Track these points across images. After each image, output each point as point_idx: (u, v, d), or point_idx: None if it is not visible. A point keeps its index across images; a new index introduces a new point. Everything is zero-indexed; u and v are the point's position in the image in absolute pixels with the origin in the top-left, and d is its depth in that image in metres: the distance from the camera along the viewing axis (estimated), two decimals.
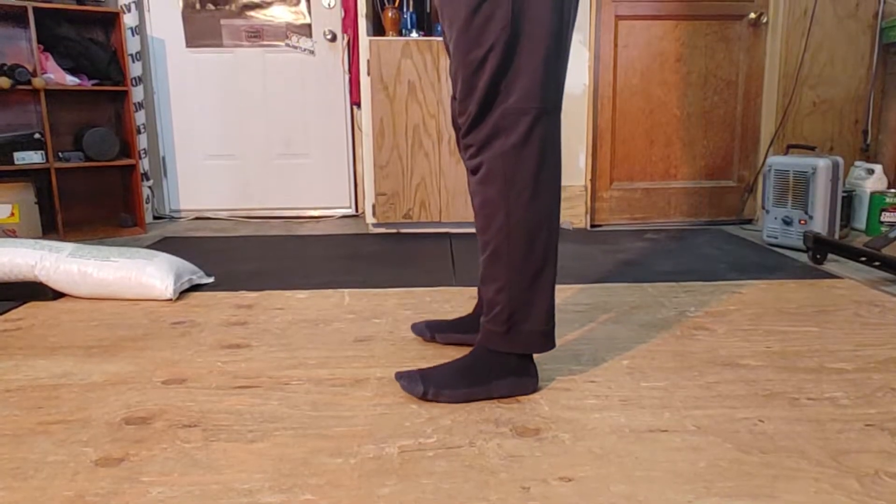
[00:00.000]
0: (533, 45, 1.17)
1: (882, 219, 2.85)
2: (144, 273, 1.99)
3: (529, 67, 1.17)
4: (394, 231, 3.14)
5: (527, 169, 1.21)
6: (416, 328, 1.63)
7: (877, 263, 2.14)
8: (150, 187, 3.53)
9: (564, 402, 1.29)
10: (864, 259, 2.19)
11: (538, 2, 1.15)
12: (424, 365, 1.48)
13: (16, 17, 3.03)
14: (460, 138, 1.29)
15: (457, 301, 1.98)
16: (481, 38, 1.16)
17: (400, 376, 1.33)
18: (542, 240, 1.25)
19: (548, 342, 1.30)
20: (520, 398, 1.31)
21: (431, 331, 1.60)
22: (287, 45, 3.52)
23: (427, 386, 1.28)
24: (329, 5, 3.49)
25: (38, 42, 2.96)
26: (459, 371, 1.30)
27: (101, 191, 3.44)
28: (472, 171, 1.27)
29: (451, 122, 1.40)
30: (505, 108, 1.19)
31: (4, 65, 2.92)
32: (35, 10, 2.87)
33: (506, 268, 1.25)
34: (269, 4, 3.48)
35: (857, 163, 3.05)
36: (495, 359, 1.30)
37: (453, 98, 1.34)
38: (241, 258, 2.61)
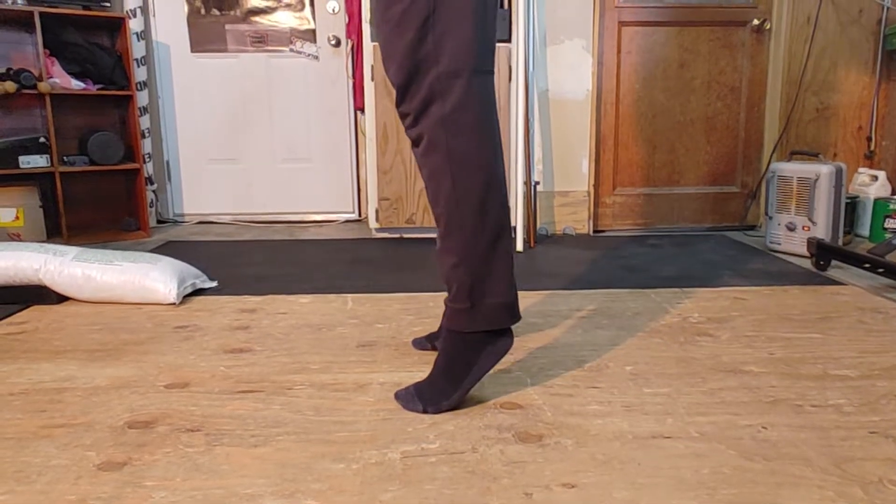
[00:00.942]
0: (459, 1, 1.12)
1: (886, 225, 2.85)
2: (148, 277, 2.00)
3: (457, 26, 1.13)
4: (397, 236, 3.14)
5: (468, 134, 1.17)
6: (417, 344, 1.62)
7: (880, 270, 2.13)
8: (153, 191, 3.54)
9: (567, 407, 1.29)
10: (867, 266, 2.18)
11: None
12: (427, 370, 1.48)
13: (22, 22, 3.04)
14: (396, 107, 1.23)
15: None
16: None
17: (398, 396, 1.31)
18: (495, 204, 1.21)
19: (513, 314, 1.27)
20: (522, 404, 1.31)
21: (431, 339, 1.60)
22: (291, 50, 3.54)
23: (425, 403, 1.27)
24: (333, 11, 3.51)
25: (45, 47, 2.97)
26: (444, 376, 1.28)
27: (105, 195, 3.45)
28: (414, 143, 1.23)
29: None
30: (438, 72, 1.14)
31: (10, 69, 2.94)
32: (41, 15, 2.89)
33: (461, 239, 1.22)
34: (274, 10, 3.50)
35: (861, 169, 3.05)
36: (466, 343, 1.27)
37: (385, 68, 1.29)
38: (245, 262, 2.62)
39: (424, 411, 1.26)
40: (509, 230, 1.26)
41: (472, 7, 1.14)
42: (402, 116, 1.23)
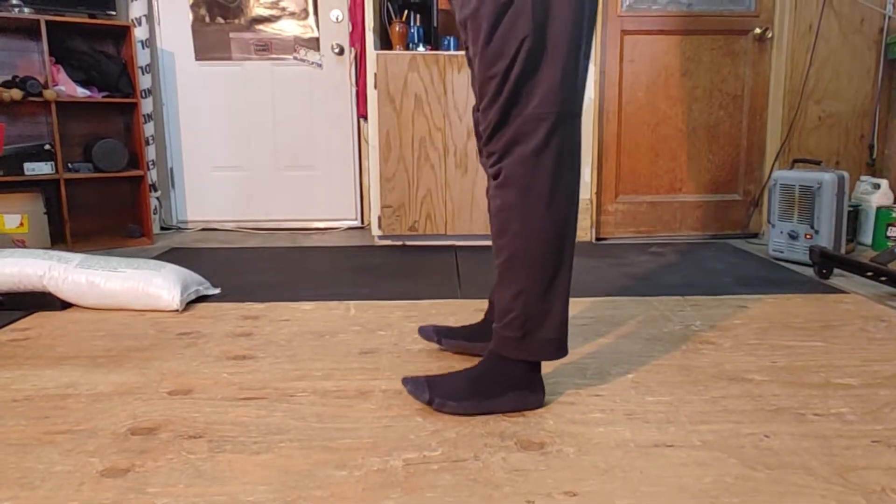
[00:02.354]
0: (553, 53, 1.18)
1: (888, 233, 2.85)
2: (152, 284, 2.00)
3: (548, 74, 1.18)
4: (399, 243, 3.15)
5: (544, 174, 1.21)
6: (424, 332, 1.63)
7: (883, 278, 2.13)
8: (157, 198, 3.56)
9: (569, 415, 1.29)
10: (870, 274, 2.18)
11: (559, 10, 1.16)
12: None
13: (29, 30, 3.07)
14: (482, 146, 1.30)
15: (462, 314, 1.98)
16: (503, 49, 1.18)
17: (406, 381, 1.33)
18: (559, 246, 1.25)
19: (561, 349, 1.30)
20: (525, 412, 1.31)
21: (439, 335, 1.61)
22: (295, 58, 3.56)
23: (433, 394, 1.28)
24: (337, 19, 3.53)
25: (50, 55, 2.99)
26: (467, 382, 1.30)
27: (109, 201, 3.46)
28: (493, 177, 1.28)
29: (475, 133, 1.41)
30: (525, 115, 1.20)
31: (16, 77, 2.96)
32: (48, 23, 2.91)
33: (522, 274, 1.25)
34: (278, 18, 3.52)
35: (863, 177, 3.05)
36: (505, 370, 1.30)
37: (475, 109, 1.36)
38: (248, 269, 2.63)
39: (429, 402, 1.27)
40: (570, 269, 1.29)
41: (566, 53, 1.19)
42: (487, 155, 1.27)
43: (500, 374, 1.30)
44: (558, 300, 1.27)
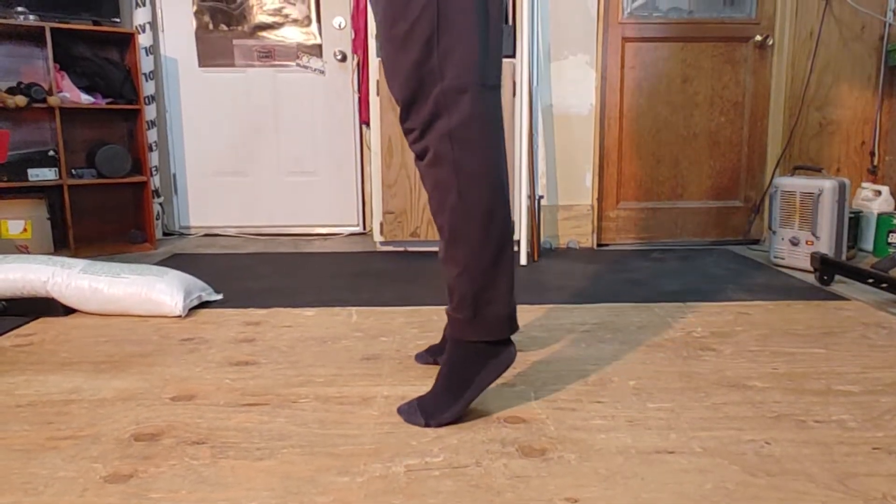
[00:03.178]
0: (462, 18, 1.13)
1: (889, 240, 2.85)
2: (154, 290, 2.01)
3: (462, 42, 1.14)
4: (401, 249, 3.15)
5: (475, 148, 1.18)
6: (420, 358, 1.63)
7: (884, 285, 2.13)
8: (160, 204, 3.57)
9: (570, 422, 1.30)
10: (871, 281, 2.19)
11: None
12: (431, 383, 1.48)
13: (33, 36, 3.09)
14: (401, 123, 1.24)
15: None
16: (406, 10, 1.12)
17: (401, 411, 1.32)
18: (499, 216, 1.23)
19: (513, 324, 1.29)
20: (525, 418, 1.31)
21: (433, 354, 1.61)
22: (298, 65, 3.57)
23: (426, 417, 1.27)
24: (339, 26, 3.55)
25: (55, 61, 3.01)
26: (445, 387, 1.29)
27: (112, 207, 3.48)
28: (419, 156, 1.24)
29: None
30: (443, 87, 1.15)
31: (21, 83, 2.98)
32: (52, 30, 2.93)
33: (465, 249, 1.23)
34: (281, 25, 3.54)
35: (864, 184, 3.05)
36: (467, 353, 1.28)
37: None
38: (250, 275, 2.63)
39: (426, 425, 1.27)
40: (511, 242, 1.27)
41: (476, 23, 1.15)
42: (407, 132, 1.24)
43: (466, 358, 1.28)
44: (504, 273, 1.25)
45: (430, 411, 1.28)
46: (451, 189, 1.20)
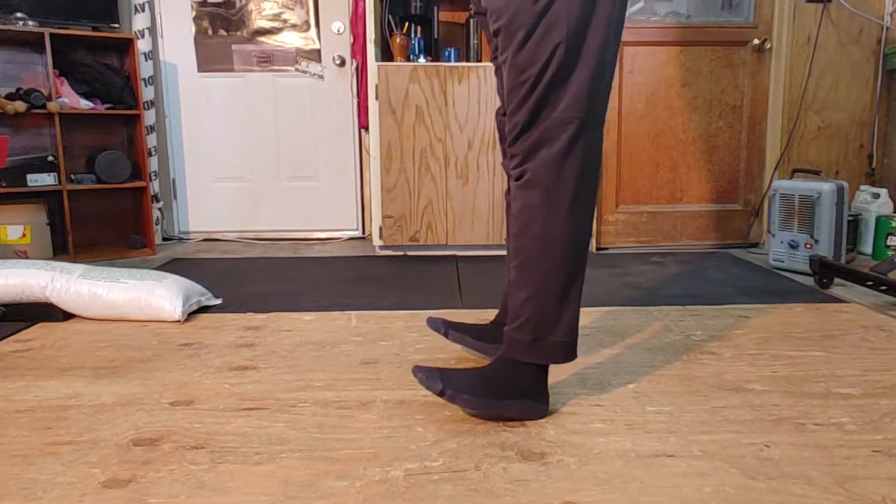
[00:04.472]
0: (584, 60, 1.21)
1: (888, 243, 2.85)
2: (154, 294, 2.01)
3: (578, 80, 1.21)
4: (400, 253, 3.16)
5: (568, 178, 1.23)
6: (431, 322, 1.63)
7: (883, 288, 2.13)
8: (159, 209, 3.57)
9: (570, 426, 1.29)
10: (870, 283, 2.19)
11: (593, 19, 1.19)
12: None
13: (33, 43, 3.10)
14: (506, 147, 1.31)
15: None
16: (536, 56, 1.20)
17: (418, 370, 1.31)
18: (577, 250, 1.26)
19: (570, 353, 1.30)
20: (526, 422, 1.31)
21: (447, 327, 1.61)
22: (297, 69, 3.58)
23: (446, 385, 1.27)
24: (338, 31, 3.56)
25: (54, 67, 3.02)
26: (479, 380, 1.30)
27: (111, 212, 3.48)
28: (516, 179, 1.29)
29: (499, 137, 1.44)
30: (552, 118, 1.22)
31: (21, 89, 2.98)
32: (52, 36, 2.94)
33: (538, 277, 1.26)
34: (280, 30, 3.55)
35: (863, 187, 3.06)
36: (514, 374, 1.30)
37: (500, 113, 1.39)
38: (249, 280, 2.63)
39: (441, 392, 1.27)
40: (583, 274, 1.30)
41: (596, 59, 1.21)
42: (511, 156, 1.29)
43: (509, 377, 1.30)
44: (571, 305, 1.28)
45: (451, 384, 1.28)
46: (538, 215, 1.25)
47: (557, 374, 1.57)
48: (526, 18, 1.19)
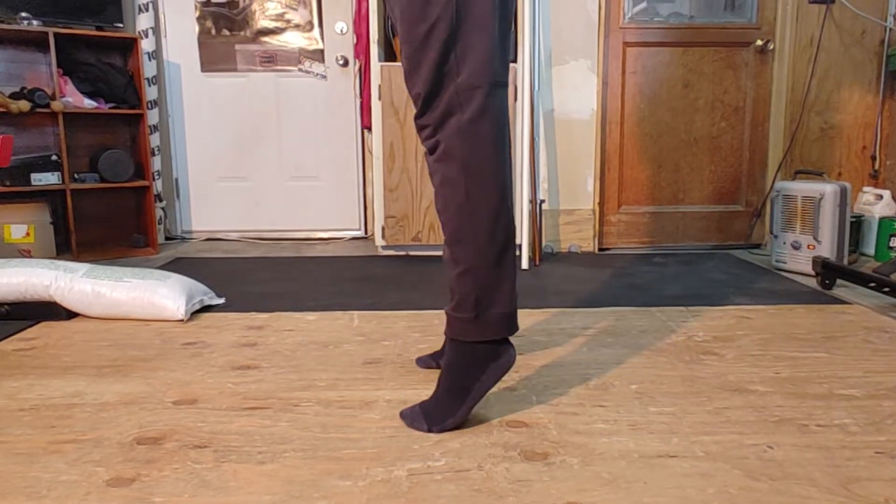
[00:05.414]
0: (479, 20, 1.17)
1: (891, 244, 2.85)
2: (157, 294, 2.02)
3: (477, 42, 1.17)
4: (403, 253, 3.16)
5: (484, 144, 1.20)
6: (422, 362, 1.62)
7: (886, 289, 2.13)
8: (162, 208, 3.58)
9: (573, 426, 1.30)
10: (873, 285, 2.19)
11: None
12: (433, 387, 1.48)
13: (37, 42, 3.10)
14: (415, 119, 1.27)
15: None
16: (425, 11, 1.16)
17: (403, 415, 1.32)
18: (504, 216, 1.23)
19: (513, 324, 1.28)
20: (528, 422, 1.31)
21: (435, 359, 1.61)
22: (300, 69, 3.59)
23: (430, 423, 1.27)
24: (341, 31, 3.56)
25: (58, 66, 3.03)
26: (447, 392, 1.28)
27: (114, 212, 3.49)
28: (430, 151, 1.26)
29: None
30: (457, 85, 1.18)
31: (25, 88, 2.99)
32: (56, 35, 2.94)
33: (469, 248, 1.23)
34: (283, 31, 3.55)
35: (866, 188, 3.06)
36: (468, 356, 1.27)
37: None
38: (252, 279, 2.64)
39: (430, 431, 1.27)
40: (514, 242, 1.27)
41: (490, 22, 1.18)
42: (421, 128, 1.26)
43: (466, 361, 1.28)
44: (507, 273, 1.25)
45: (433, 417, 1.28)
46: (459, 186, 1.21)
47: (560, 373, 1.57)
48: None
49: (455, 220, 1.23)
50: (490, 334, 1.26)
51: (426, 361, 1.62)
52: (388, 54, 3.17)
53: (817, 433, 1.26)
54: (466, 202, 1.22)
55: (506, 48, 1.23)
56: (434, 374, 1.57)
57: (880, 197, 2.96)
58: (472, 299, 1.24)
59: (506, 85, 1.24)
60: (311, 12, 3.55)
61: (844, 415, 1.34)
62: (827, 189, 2.60)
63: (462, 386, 1.28)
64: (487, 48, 1.18)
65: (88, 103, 3.09)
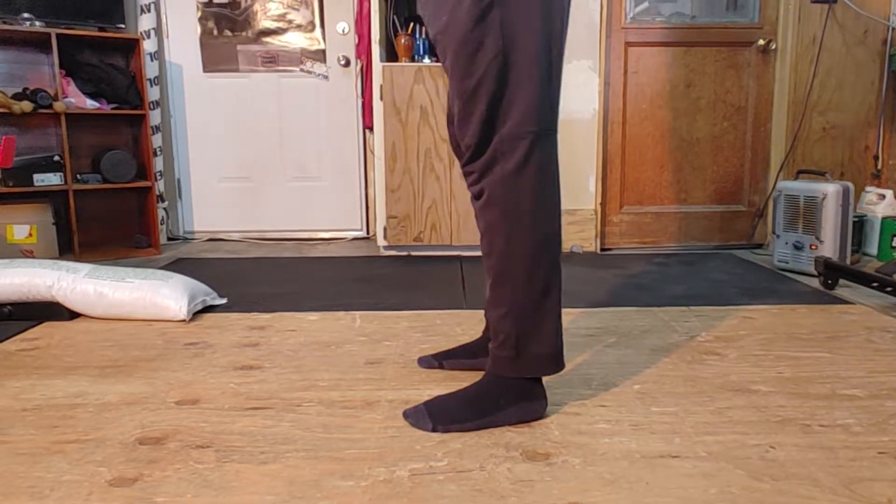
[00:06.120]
0: (525, 71, 1.18)
1: (894, 244, 2.84)
2: (159, 294, 2.02)
3: (523, 93, 1.19)
4: (405, 254, 3.16)
5: (525, 193, 1.22)
6: (423, 362, 1.63)
7: (888, 289, 2.13)
8: (164, 209, 3.58)
9: (575, 426, 1.30)
10: (875, 285, 2.18)
11: (526, 28, 1.17)
12: (435, 388, 1.48)
13: (39, 43, 3.11)
14: (462, 166, 1.31)
15: (467, 324, 1.99)
16: (472, 66, 1.18)
17: (407, 414, 1.32)
18: (545, 261, 1.25)
19: (557, 364, 1.30)
20: (530, 423, 1.31)
21: (439, 360, 1.61)
22: (302, 70, 3.59)
23: (435, 422, 1.28)
24: (343, 32, 3.56)
25: (61, 67, 3.03)
26: (466, 402, 1.30)
27: (116, 212, 3.49)
28: (475, 197, 1.30)
29: (451, 145, 1.42)
30: (502, 135, 1.21)
31: (27, 89, 3.00)
32: (58, 36, 2.95)
33: (510, 292, 1.26)
34: (285, 31, 3.56)
35: (868, 188, 3.05)
36: (503, 385, 1.30)
37: (450, 122, 1.37)
38: (254, 280, 2.64)
39: (433, 430, 1.27)
40: (559, 283, 1.29)
41: (536, 72, 1.19)
42: (467, 174, 1.29)
43: (498, 391, 1.30)
44: (549, 315, 1.27)
45: (439, 417, 1.28)
46: (500, 232, 1.24)
47: (562, 374, 1.57)
48: (459, 25, 1.16)
49: (496, 265, 1.27)
50: (529, 372, 1.29)
51: (428, 361, 1.62)
52: (390, 54, 3.17)
53: (820, 433, 1.26)
54: (506, 249, 1.25)
55: (555, 93, 1.25)
56: (436, 375, 1.57)
57: (883, 197, 2.96)
58: (513, 339, 1.27)
59: (554, 132, 1.25)
60: (312, 12, 3.55)
61: (847, 415, 1.34)
62: (829, 189, 2.59)
63: (483, 406, 1.29)
64: (532, 98, 1.20)
65: (91, 104, 3.10)
